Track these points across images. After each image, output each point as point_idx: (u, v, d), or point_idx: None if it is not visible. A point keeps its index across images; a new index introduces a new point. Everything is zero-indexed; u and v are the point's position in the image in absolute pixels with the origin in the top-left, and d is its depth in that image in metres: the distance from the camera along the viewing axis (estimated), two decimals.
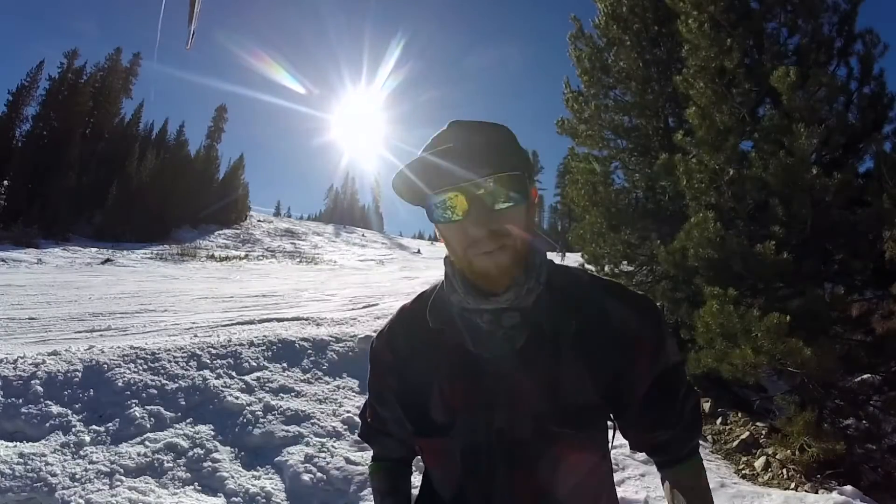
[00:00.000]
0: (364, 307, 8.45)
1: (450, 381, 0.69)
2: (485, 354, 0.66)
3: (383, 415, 0.82)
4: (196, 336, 4.94)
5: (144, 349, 4.02)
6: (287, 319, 6.81)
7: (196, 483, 2.89)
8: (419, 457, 0.82)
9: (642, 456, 3.39)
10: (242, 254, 31.78)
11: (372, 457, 0.91)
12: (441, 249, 0.71)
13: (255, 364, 4.21)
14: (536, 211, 0.70)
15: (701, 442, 3.85)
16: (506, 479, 0.67)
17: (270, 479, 2.99)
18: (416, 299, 0.78)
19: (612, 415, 0.73)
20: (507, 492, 0.67)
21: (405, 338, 0.75)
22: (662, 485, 0.81)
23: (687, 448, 0.76)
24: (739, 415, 4.20)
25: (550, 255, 0.73)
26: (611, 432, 0.76)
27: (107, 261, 21.46)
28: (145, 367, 3.80)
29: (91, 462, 2.83)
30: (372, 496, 0.88)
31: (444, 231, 0.66)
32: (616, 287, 0.73)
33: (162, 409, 3.41)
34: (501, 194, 0.61)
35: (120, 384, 3.55)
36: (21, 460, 2.71)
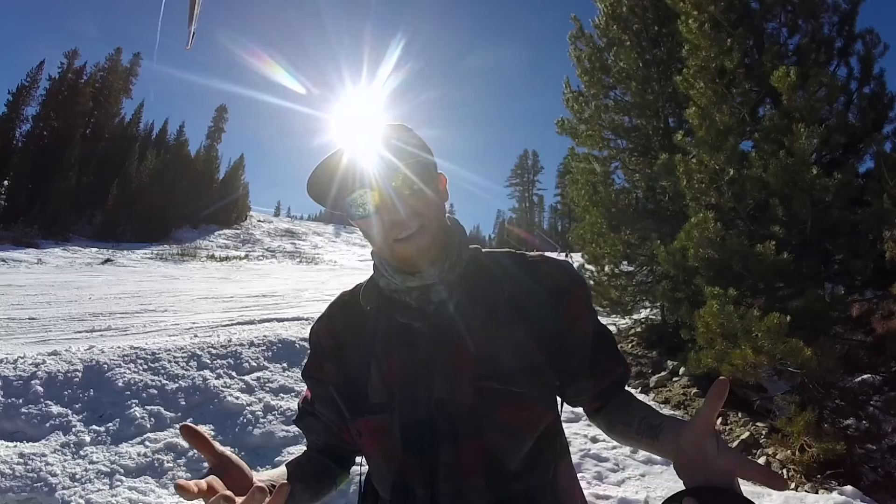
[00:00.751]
0: None
1: (386, 357, 0.69)
2: (416, 326, 0.68)
3: (316, 393, 0.78)
4: (196, 336, 4.94)
5: (144, 349, 4.02)
6: (287, 319, 6.81)
7: None
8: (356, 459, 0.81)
9: (642, 456, 3.38)
10: (242, 254, 31.80)
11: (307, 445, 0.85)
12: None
13: (255, 364, 4.22)
14: (446, 196, 0.73)
15: None
16: (451, 451, 0.64)
17: None
18: (356, 286, 0.79)
19: (558, 373, 0.70)
20: (452, 466, 0.64)
21: (342, 321, 0.76)
22: (610, 429, 0.77)
23: (620, 390, 0.78)
24: (739, 415, 4.20)
25: (553, 255, 0.75)
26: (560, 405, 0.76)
27: (107, 261, 21.47)
28: (145, 367, 3.80)
29: (91, 462, 2.83)
30: None
31: (363, 226, 0.69)
32: (537, 255, 0.76)
33: (162, 409, 3.41)
34: (411, 181, 0.65)
35: (120, 384, 3.55)
36: (21, 460, 2.72)
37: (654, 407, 0.77)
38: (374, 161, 0.65)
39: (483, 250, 0.76)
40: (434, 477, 0.64)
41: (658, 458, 3.39)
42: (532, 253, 0.77)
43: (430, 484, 0.64)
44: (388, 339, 0.70)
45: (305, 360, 0.82)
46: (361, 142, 0.67)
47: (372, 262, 0.75)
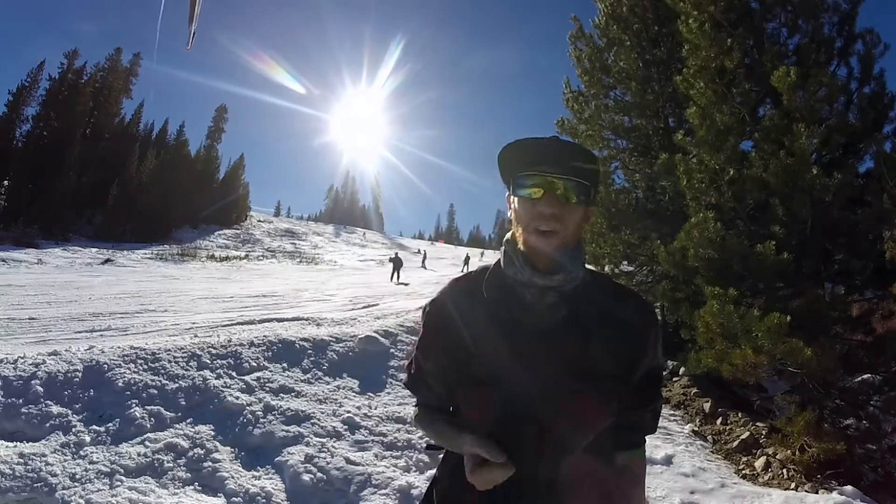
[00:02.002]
0: (364, 307, 8.45)
1: (496, 341, 0.81)
2: (526, 322, 0.80)
3: (426, 367, 0.92)
4: (196, 336, 4.94)
5: (144, 349, 4.02)
6: (287, 319, 6.81)
7: (196, 483, 2.89)
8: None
9: None
10: (242, 254, 31.80)
11: (416, 402, 1.00)
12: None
13: (255, 364, 4.21)
14: (588, 222, 0.85)
15: (702, 442, 3.86)
16: (534, 428, 0.79)
17: (271, 479, 2.99)
18: (467, 275, 0.93)
19: (623, 389, 0.84)
20: (533, 440, 0.79)
21: (459, 303, 0.88)
22: (615, 469, 0.92)
23: (642, 434, 0.93)
24: (739, 415, 4.20)
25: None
26: None
27: (107, 261, 21.47)
28: (145, 367, 3.80)
29: (91, 462, 2.83)
30: (422, 431, 0.99)
31: (519, 204, 0.80)
32: (632, 291, 0.94)
33: (162, 409, 3.41)
34: (572, 194, 0.76)
35: (120, 384, 3.55)
36: (21, 460, 2.71)
37: None
38: (562, 162, 0.76)
39: (594, 272, 0.89)
40: (520, 446, 0.78)
41: (658, 457, 3.39)
42: (631, 288, 0.96)
43: (516, 450, 0.78)
44: (501, 327, 0.81)
45: (419, 337, 0.95)
46: (560, 144, 0.78)
47: (502, 250, 0.86)
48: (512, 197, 0.82)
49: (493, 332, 0.82)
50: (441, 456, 0.98)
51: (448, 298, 0.90)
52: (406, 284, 14.64)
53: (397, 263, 17.54)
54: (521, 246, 0.80)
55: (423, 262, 27.69)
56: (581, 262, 0.82)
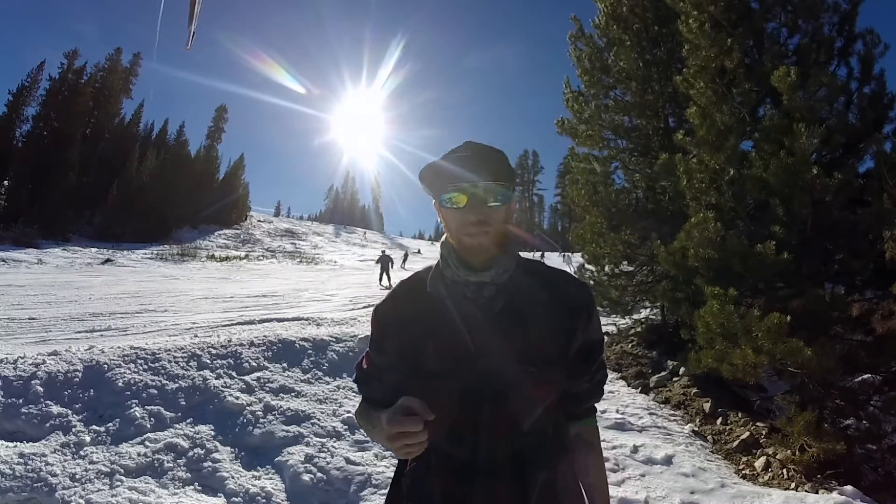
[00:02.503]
0: (364, 307, 8.46)
1: (444, 336, 0.88)
2: (469, 315, 0.88)
3: (379, 362, 0.98)
4: (196, 336, 4.95)
5: (145, 349, 4.02)
6: (287, 319, 6.81)
7: (196, 483, 2.89)
8: None
9: (642, 456, 3.39)
10: (243, 254, 31.80)
11: (361, 399, 1.05)
12: (439, 250, 0.91)
13: (255, 364, 4.22)
14: (515, 217, 0.95)
15: (702, 443, 3.86)
16: (490, 411, 0.86)
17: (271, 479, 2.99)
18: (413, 276, 1.00)
19: (565, 365, 0.92)
20: (490, 422, 0.87)
21: (406, 304, 0.95)
22: (568, 444, 1.00)
23: (590, 403, 1.01)
24: (739, 415, 4.20)
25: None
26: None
27: (107, 261, 21.47)
28: (145, 367, 3.80)
29: (91, 462, 2.83)
30: (359, 422, 1.03)
31: (447, 215, 0.88)
32: (566, 273, 1.01)
33: (162, 409, 3.41)
34: (491, 196, 0.84)
35: (120, 384, 3.55)
36: (21, 460, 2.71)
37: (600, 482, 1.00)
38: (477, 171, 0.84)
39: (525, 259, 0.96)
40: (477, 428, 0.87)
41: (658, 457, 3.39)
42: (562, 270, 1.02)
43: (474, 432, 0.87)
44: (448, 322, 0.88)
45: (371, 335, 1.00)
46: (472, 153, 0.87)
47: (440, 253, 0.93)
48: (439, 207, 0.90)
49: (440, 327, 0.89)
50: None
51: (397, 298, 0.98)
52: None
53: (385, 263, 15.16)
54: (457, 247, 0.89)
55: (404, 262, 25.41)
56: (512, 255, 0.90)
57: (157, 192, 33.54)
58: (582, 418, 1.00)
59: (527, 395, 0.87)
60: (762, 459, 3.46)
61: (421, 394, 0.85)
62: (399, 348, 0.94)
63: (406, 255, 27.87)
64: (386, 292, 1.10)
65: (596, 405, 1.03)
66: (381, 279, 14.84)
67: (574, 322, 0.91)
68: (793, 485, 3.14)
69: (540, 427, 0.90)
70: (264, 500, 2.79)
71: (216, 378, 3.89)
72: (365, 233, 55.75)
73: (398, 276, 18.71)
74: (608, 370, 1.11)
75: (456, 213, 0.86)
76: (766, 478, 3.30)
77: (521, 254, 0.97)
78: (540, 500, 0.88)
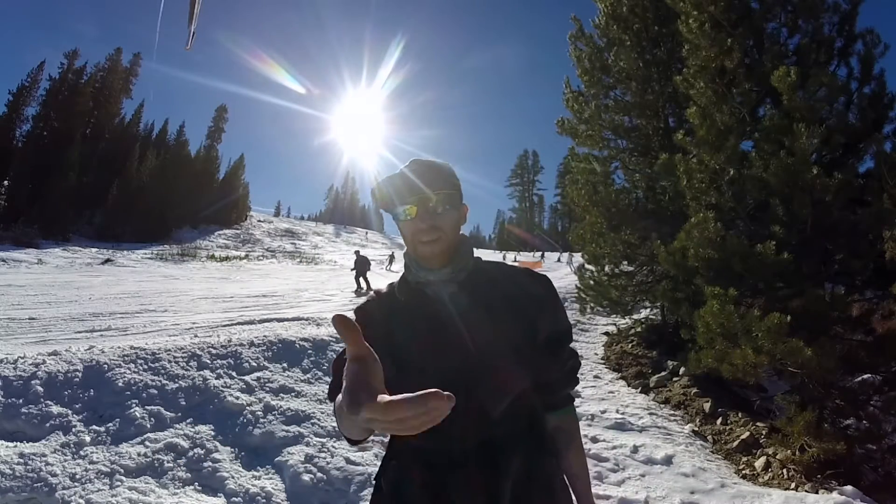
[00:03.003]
0: None
1: (417, 335, 0.94)
2: (435, 313, 0.94)
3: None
4: (196, 336, 4.94)
5: (145, 349, 4.02)
6: (287, 319, 6.81)
7: (196, 483, 2.89)
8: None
9: (642, 456, 3.39)
10: (243, 254, 31.79)
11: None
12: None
13: (255, 364, 4.22)
14: (464, 220, 0.99)
15: (702, 443, 3.86)
16: (462, 401, 0.85)
17: (271, 479, 2.99)
18: (387, 286, 1.06)
19: (532, 354, 0.96)
20: (459, 412, 0.86)
21: (380, 309, 1.01)
22: (548, 435, 1.02)
23: (564, 391, 1.04)
24: (740, 415, 4.20)
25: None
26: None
27: (107, 261, 21.46)
28: (145, 367, 3.80)
29: (91, 462, 2.83)
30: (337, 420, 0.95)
31: (402, 228, 0.95)
32: (526, 269, 1.06)
33: (162, 409, 3.41)
34: (440, 205, 0.91)
35: (120, 384, 3.55)
36: (21, 460, 2.71)
37: (584, 465, 1.04)
38: (424, 183, 0.91)
39: (483, 259, 1.03)
40: (448, 420, 0.78)
41: (658, 457, 3.39)
42: (522, 267, 1.07)
43: (447, 424, 0.78)
44: (418, 322, 0.95)
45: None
46: (418, 168, 0.93)
47: (403, 263, 1.01)
48: (396, 222, 0.97)
49: (412, 326, 0.95)
50: (386, 441, 1.06)
51: (370, 305, 1.03)
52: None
53: (362, 267, 12.53)
54: (414, 255, 0.96)
55: (390, 264, 24.26)
56: (466, 254, 0.97)
57: (157, 192, 33.54)
58: (559, 408, 1.03)
59: (493, 385, 0.90)
60: (762, 459, 3.47)
61: (398, 390, 0.86)
62: (386, 342, 0.96)
63: (392, 257, 26.19)
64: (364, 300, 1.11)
65: (572, 393, 1.07)
66: (359, 285, 12.31)
67: (535, 313, 0.96)
68: (793, 485, 3.14)
69: (511, 416, 0.92)
70: (264, 500, 2.79)
71: (216, 378, 3.88)
72: (367, 233, 55.75)
73: (385, 278, 18.87)
74: (608, 369, 1.10)
75: (409, 224, 0.92)
76: (766, 478, 3.30)
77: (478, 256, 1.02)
78: (514, 487, 0.91)
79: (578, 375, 1.09)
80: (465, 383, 0.89)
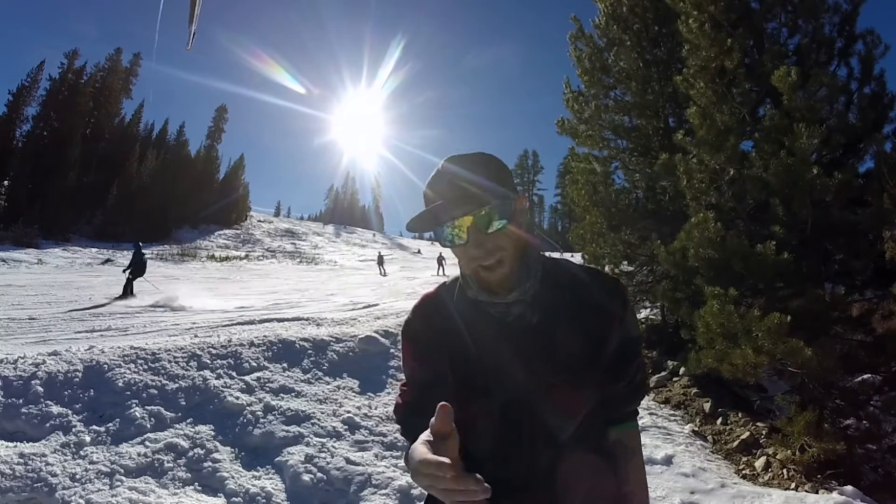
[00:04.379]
0: (364, 307, 8.45)
1: (479, 354, 0.85)
2: (499, 333, 0.84)
3: (421, 378, 0.91)
4: (196, 336, 4.94)
5: (145, 349, 4.02)
6: (287, 319, 6.81)
7: (196, 483, 2.89)
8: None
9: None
10: (243, 254, 31.80)
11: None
12: (440, 249, 0.80)
13: (255, 364, 4.22)
14: (526, 215, 0.86)
15: (702, 443, 3.86)
16: (528, 424, 0.84)
17: (271, 479, 3.00)
18: (438, 289, 0.96)
19: (599, 371, 0.88)
20: (527, 436, 0.84)
21: (431, 328, 0.91)
22: (608, 449, 0.95)
23: (629, 407, 0.96)
24: (740, 415, 4.20)
25: (554, 255, 0.82)
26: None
27: (107, 261, 21.46)
28: (145, 367, 3.80)
29: (91, 462, 2.83)
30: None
31: (453, 252, 0.83)
32: (595, 271, 0.95)
33: (162, 409, 3.41)
34: (489, 221, 0.77)
35: (120, 384, 3.55)
36: (21, 460, 2.71)
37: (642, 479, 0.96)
38: (465, 203, 0.76)
39: (550, 258, 0.92)
40: (518, 445, 0.84)
41: (658, 457, 3.39)
42: (589, 267, 0.97)
43: (518, 447, 0.85)
44: (477, 338, 0.86)
45: (404, 357, 0.94)
46: (454, 182, 0.78)
47: (460, 272, 0.89)
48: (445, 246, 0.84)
49: (473, 344, 0.86)
50: None
51: (422, 320, 0.93)
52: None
53: (381, 260, 18.59)
54: (475, 278, 0.84)
55: (381, 267, 22.12)
56: (534, 270, 0.84)
57: (158, 193, 33.54)
58: (622, 422, 0.95)
59: (559, 407, 0.84)
60: (762, 459, 3.47)
61: (463, 415, 0.82)
62: (433, 371, 0.89)
63: (380, 259, 23.09)
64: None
65: (637, 408, 0.99)
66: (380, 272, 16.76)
67: (606, 324, 0.87)
68: (793, 485, 3.14)
69: (579, 437, 0.86)
70: (264, 500, 2.79)
71: (216, 378, 3.88)
72: (375, 234, 55.72)
73: (378, 283, 18.93)
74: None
75: (460, 251, 0.81)
76: (766, 478, 3.30)
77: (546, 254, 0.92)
78: None
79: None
80: (531, 405, 0.84)
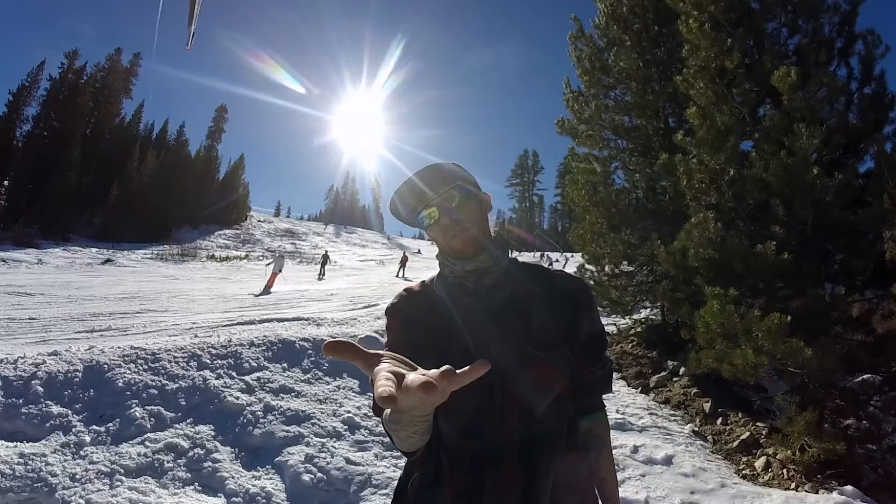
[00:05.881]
0: (364, 307, 8.45)
1: (456, 328, 0.92)
2: (475, 306, 0.93)
3: (403, 349, 0.91)
4: (196, 336, 4.94)
5: (145, 349, 4.02)
6: (287, 319, 6.81)
7: (196, 483, 2.89)
8: None
9: (642, 456, 3.38)
10: (243, 254, 31.80)
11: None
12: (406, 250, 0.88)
13: (255, 364, 4.22)
14: (488, 209, 1.00)
15: (702, 443, 3.86)
16: (500, 396, 0.89)
17: (271, 479, 2.99)
18: (419, 283, 1.06)
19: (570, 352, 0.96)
20: (501, 408, 0.89)
21: (416, 306, 0.99)
22: (580, 439, 1.01)
23: (600, 395, 1.04)
24: (740, 415, 4.20)
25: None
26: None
27: (107, 261, 21.47)
28: (146, 367, 3.80)
29: (91, 462, 2.83)
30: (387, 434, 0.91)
31: (430, 232, 0.97)
32: (561, 270, 1.07)
33: (162, 409, 3.41)
34: (454, 198, 0.93)
35: (120, 384, 3.55)
36: (21, 460, 2.71)
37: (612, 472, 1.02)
38: (432, 187, 0.92)
39: (522, 261, 1.04)
40: (491, 417, 0.89)
41: (658, 457, 3.39)
42: (557, 269, 1.08)
43: (489, 422, 0.89)
44: (456, 314, 0.93)
45: (386, 329, 1.00)
46: (425, 173, 0.93)
47: (438, 262, 1.00)
48: (426, 231, 0.98)
49: (451, 320, 0.93)
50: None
51: (403, 304, 1.01)
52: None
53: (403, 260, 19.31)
54: (448, 252, 0.96)
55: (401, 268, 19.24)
56: (501, 248, 0.96)
57: (157, 193, 33.55)
58: (593, 412, 1.01)
59: (535, 380, 0.89)
60: (762, 459, 3.47)
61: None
62: (417, 342, 0.94)
63: (404, 259, 20.39)
64: (400, 287, 1.09)
65: (604, 400, 1.05)
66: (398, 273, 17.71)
67: (575, 314, 0.96)
68: (793, 485, 3.14)
69: (552, 417, 0.91)
70: (264, 501, 2.79)
71: (216, 378, 3.88)
72: (364, 233, 55.70)
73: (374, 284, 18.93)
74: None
75: (436, 226, 0.94)
76: (766, 478, 3.30)
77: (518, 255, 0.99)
78: (544, 487, 0.89)
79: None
80: (506, 377, 0.88)
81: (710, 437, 3.99)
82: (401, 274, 18.83)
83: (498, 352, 0.88)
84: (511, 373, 0.88)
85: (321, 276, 18.73)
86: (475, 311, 0.92)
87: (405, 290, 1.05)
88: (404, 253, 22.81)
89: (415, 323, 0.96)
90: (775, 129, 3.41)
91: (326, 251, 25.60)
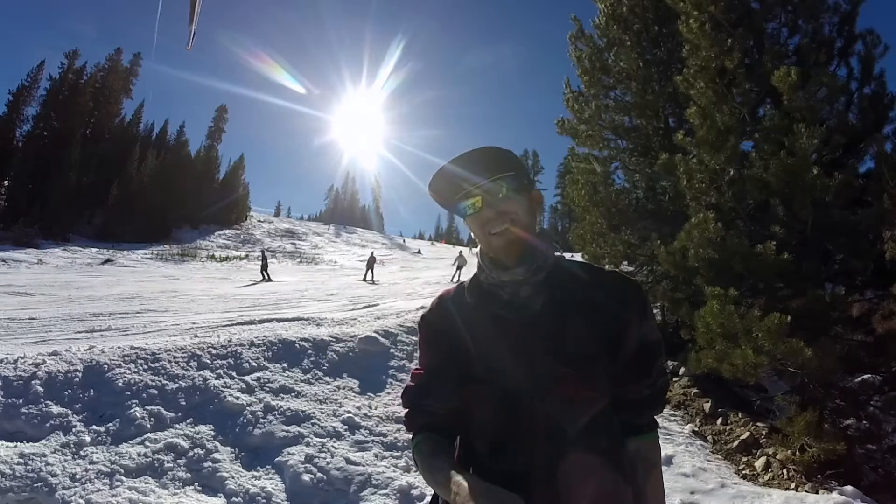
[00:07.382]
0: (364, 307, 8.45)
1: (485, 339, 0.86)
2: (508, 317, 0.85)
3: (434, 363, 0.92)
4: (196, 336, 4.94)
5: (145, 349, 4.02)
6: (287, 319, 6.80)
7: (196, 483, 2.89)
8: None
9: None
10: (243, 254, 31.78)
11: (413, 433, 0.94)
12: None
13: (255, 364, 4.21)
14: (539, 208, 0.91)
15: (702, 443, 3.86)
16: (528, 413, 0.82)
17: (271, 479, 2.99)
18: (455, 287, 0.99)
19: (613, 364, 0.86)
20: (529, 427, 0.82)
21: (446, 317, 0.93)
22: (626, 461, 0.91)
23: (650, 414, 0.94)
24: (740, 415, 4.20)
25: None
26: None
27: (107, 261, 21.47)
28: (145, 367, 3.80)
29: (91, 462, 2.83)
30: (417, 467, 0.90)
31: (469, 222, 0.87)
32: (615, 272, 0.95)
33: (162, 409, 3.41)
34: (502, 189, 0.83)
35: (120, 384, 3.55)
36: (21, 460, 2.71)
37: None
38: (479, 172, 0.84)
39: (567, 258, 0.94)
40: (518, 436, 0.83)
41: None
42: (616, 270, 0.93)
43: (516, 439, 0.83)
44: (485, 326, 0.87)
45: (420, 342, 0.98)
46: (471, 157, 0.84)
47: (477, 262, 0.93)
48: (464, 219, 0.90)
49: (481, 332, 0.87)
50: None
51: (433, 315, 0.96)
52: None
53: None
54: (487, 251, 0.88)
55: (368, 269, 17.64)
56: (546, 249, 0.87)
57: (157, 193, 33.54)
58: (641, 432, 0.92)
59: (564, 398, 0.81)
60: (762, 459, 3.46)
61: (466, 400, 0.85)
62: (446, 355, 0.91)
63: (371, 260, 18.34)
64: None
65: (657, 418, 0.95)
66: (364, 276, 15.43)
67: (623, 320, 0.85)
68: (793, 485, 3.14)
69: (590, 435, 0.82)
70: (264, 501, 2.79)
71: (216, 378, 3.88)
72: (364, 233, 55.70)
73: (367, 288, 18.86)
74: None
75: (476, 217, 0.85)
76: (766, 478, 3.30)
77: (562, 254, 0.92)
78: None
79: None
80: (532, 393, 0.81)
81: (710, 437, 3.99)
82: (368, 277, 16.75)
83: (528, 368, 0.82)
84: (536, 391, 0.81)
85: (266, 278, 16.94)
86: (504, 323, 0.85)
87: (441, 295, 0.99)
88: (371, 253, 19.92)
89: (441, 338, 0.92)
90: (775, 129, 3.41)
91: (264, 250, 23.15)
